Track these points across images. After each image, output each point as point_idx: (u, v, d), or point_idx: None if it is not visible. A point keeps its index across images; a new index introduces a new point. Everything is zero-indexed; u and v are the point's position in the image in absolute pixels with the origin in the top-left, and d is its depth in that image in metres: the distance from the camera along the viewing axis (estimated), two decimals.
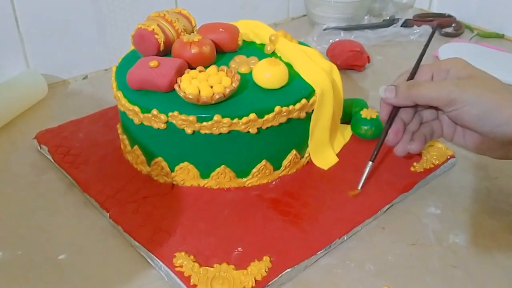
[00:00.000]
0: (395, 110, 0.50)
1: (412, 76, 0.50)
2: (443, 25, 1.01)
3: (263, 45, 0.63)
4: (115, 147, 0.61)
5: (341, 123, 0.63)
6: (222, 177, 0.54)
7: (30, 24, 0.73)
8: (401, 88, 0.48)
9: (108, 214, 0.52)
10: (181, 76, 0.53)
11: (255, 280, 0.44)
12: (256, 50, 0.62)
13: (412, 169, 0.58)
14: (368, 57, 0.84)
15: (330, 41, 0.90)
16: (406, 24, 1.00)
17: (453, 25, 1.02)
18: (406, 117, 0.51)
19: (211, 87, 0.51)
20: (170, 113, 0.50)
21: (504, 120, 0.44)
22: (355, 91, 0.78)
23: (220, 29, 0.60)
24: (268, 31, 0.63)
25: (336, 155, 0.60)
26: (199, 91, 0.51)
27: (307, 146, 0.58)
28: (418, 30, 0.97)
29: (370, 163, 0.53)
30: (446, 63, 0.49)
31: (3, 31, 0.71)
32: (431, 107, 0.49)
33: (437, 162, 0.59)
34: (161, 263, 0.46)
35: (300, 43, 0.63)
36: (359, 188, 0.53)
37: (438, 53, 0.88)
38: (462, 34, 1.00)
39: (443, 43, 0.91)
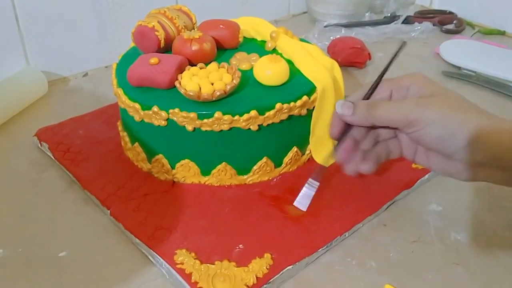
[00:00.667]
0: (347, 126, 0.46)
1: (369, 94, 0.47)
2: (444, 22, 1.01)
3: (264, 42, 0.62)
4: (115, 144, 0.61)
5: None
6: (223, 174, 0.54)
7: (30, 22, 0.73)
8: (359, 107, 0.44)
9: (109, 211, 0.51)
10: (181, 73, 0.53)
11: (256, 277, 0.44)
12: (257, 47, 0.62)
13: (413, 166, 0.58)
14: (369, 54, 0.84)
15: (331, 38, 0.90)
16: (407, 21, 0.99)
17: (454, 21, 1.01)
18: (358, 135, 0.47)
19: (212, 84, 0.51)
20: (170, 110, 0.50)
21: (468, 142, 0.40)
22: (356, 88, 0.76)
23: (221, 26, 0.60)
24: (269, 28, 0.62)
25: None
26: (200, 88, 0.51)
27: (308, 143, 0.58)
28: (419, 27, 0.97)
29: (315, 183, 0.48)
30: (406, 80, 0.46)
31: (3, 28, 0.71)
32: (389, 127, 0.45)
33: None
34: (162, 260, 0.46)
35: (301, 39, 0.63)
36: (304, 209, 0.49)
37: (440, 50, 0.87)
38: (463, 31, 1.00)
39: (444, 40, 0.90)
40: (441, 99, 0.43)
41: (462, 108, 0.42)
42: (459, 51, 0.87)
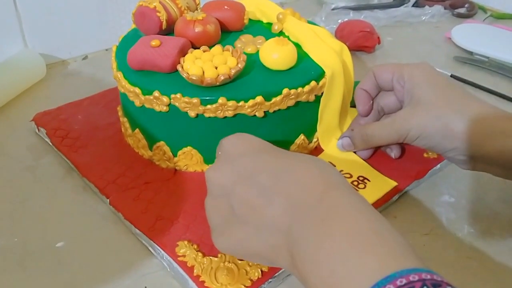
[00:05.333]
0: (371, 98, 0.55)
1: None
2: (456, 5, 0.98)
3: (270, 24, 0.60)
4: (115, 130, 0.59)
5: (350, 106, 0.60)
6: None
7: (28, 2, 0.71)
8: (356, 140, 0.52)
9: (108, 200, 0.50)
10: (184, 56, 0.50)
11: (261, 271, 0.42)
12: (263, 29, 0.59)
13: (425, 155, 0.55)
14: (378, 38, 0.81)
15: (339, 21, 0.87)
16: (418, 4, 0.97)
17: (466, 5, 0.99)
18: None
19: (216, 67, 0.49)
20: (172, 95, 0.48)
21: (454, 146, 0.46)
22: (364, 73, 0.75)
23: (225, 7, 0.57)
24: (276, 9, 0.60)
25: None
26: (203, 72, 0.48)
27: (316, 130, 0.55)
28: (430, 11, 0.94)
29: None
30: (407, 71, 0.50)
31: (0, 9, 0.69)
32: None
33: None
34: (163, 252, 0.44)
35: (309, 22, 0.60)
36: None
37: (451, 34, 0.85)
38: (475, 15, 0.97)
39: (456, 24, 0.88)
40: (426, 108, 0.47)
41: (446, 113, 0.46)
42: (472, 35, 0.84)
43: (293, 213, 0.33)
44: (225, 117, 0.49)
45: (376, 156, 0.55)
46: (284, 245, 0.33)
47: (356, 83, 0.61)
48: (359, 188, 0.50)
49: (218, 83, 0.48)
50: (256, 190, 0.34)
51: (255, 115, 0.49)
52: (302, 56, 0.54)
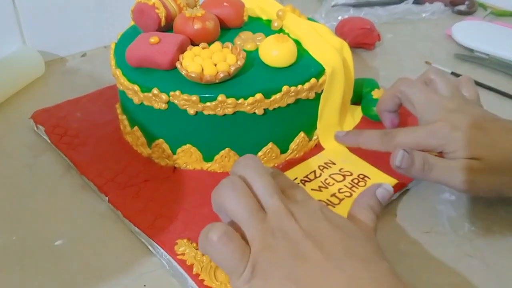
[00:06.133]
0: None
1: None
2: (456, 2, 0.97)
3: (269, 21, 0.60)
4: (114, 128, 0.58)
5: (351, 103, 0.60)
6: (226, 161, 0.52)
7: None
8: (417, 162, 0.47)
9: (107, 198, 0.49)
10: (183, 53, 0.50)
11: None
12: (262, 26, 0.59)
13: None
14: (378, 35, 0.81)
15: (339, 18, 0.87)
16: (418, 1, 0.96)
17: (466, 2, 0.98)
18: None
19: (215, 65, 0.48)
20: (171, 93, 0.48)
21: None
22: (364, 71, 0.75)
23: (225, 4, 0.57)
24: (276, 6, 0.59)
25: None
26: (202, 69, 0.48)
27: (316, 128, 0.55)
28: (430, 8, 0.94)
29: None
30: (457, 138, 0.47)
31: None
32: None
33: None
34: (162, 250, 0.44)
35: (309, 19, 0.60)
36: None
37: (452, 31, 0.84)
38: (476, 12, 0.96)
39: (456, 21, 0.87)
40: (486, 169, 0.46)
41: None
42: (472, 33, 0.84)
43: None
44: (225, 114, 0.48)
45: (377, 154, 0.54)
46: None
47: (356, 81, 0.60)
48: (359, 186, 0.50)
49: (217, 81, 0.48)
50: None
51: (254, 113, 0.49)
52: (302, 53, 0.53)
